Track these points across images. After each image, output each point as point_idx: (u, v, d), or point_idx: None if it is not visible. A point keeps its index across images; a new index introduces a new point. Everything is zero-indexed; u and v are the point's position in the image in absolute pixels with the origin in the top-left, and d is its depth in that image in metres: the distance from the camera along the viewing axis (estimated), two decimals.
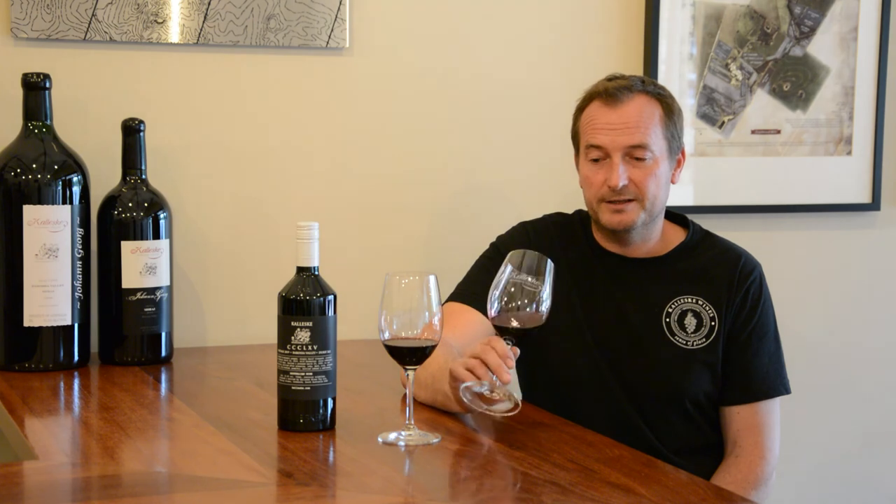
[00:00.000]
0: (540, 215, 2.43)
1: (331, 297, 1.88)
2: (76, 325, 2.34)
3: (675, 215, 2.38)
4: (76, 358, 2.35)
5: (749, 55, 2.98)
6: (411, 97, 2.76)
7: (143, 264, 2.37)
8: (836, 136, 3.07)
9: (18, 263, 2.29)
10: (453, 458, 1.82)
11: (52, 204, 2.30)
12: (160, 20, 2.54)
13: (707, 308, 2.27)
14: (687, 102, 2.93)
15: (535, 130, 2.85)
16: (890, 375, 3.22)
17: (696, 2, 2.93)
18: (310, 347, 1.85)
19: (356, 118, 2.72)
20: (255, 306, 2.64)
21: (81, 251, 2.34)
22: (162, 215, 2.40)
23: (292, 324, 1.86)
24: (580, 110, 2.29)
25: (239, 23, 2.58)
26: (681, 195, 2.94)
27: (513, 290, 1.93)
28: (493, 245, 2.38)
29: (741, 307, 2.27)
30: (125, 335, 2.38)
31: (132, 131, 2.40)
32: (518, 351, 1.93)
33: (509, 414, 1.93)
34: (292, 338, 1.86)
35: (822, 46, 3.03)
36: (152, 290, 2.38)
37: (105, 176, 2.44)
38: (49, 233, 2.29)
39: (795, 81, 3.02)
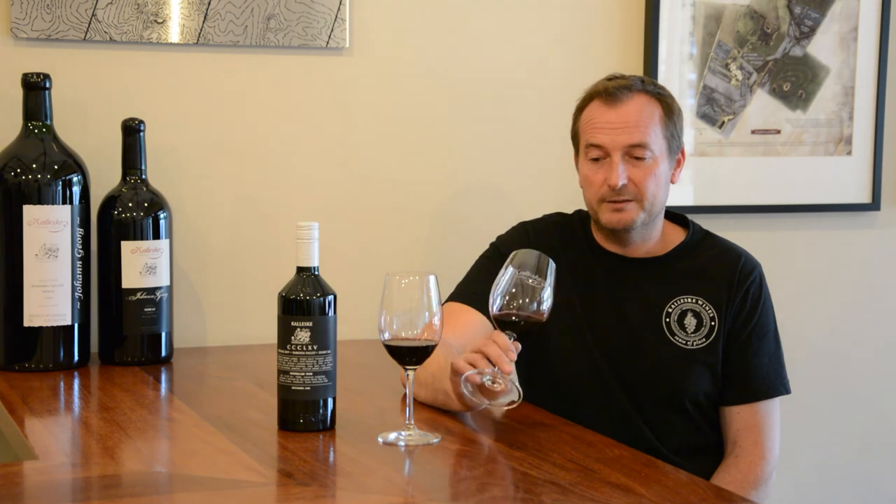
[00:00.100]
0: (540, 215, 2.43)
1: (331, 297, 1.88)
2: (76, 325, 2.34)
3: (675, 215, 2.38)
4: (76, 358, 2.35)
5: (749, 55, 2.98)
6: (411, 97, 2.76)
7: (143, 264, 2.37)
8: (836, 136, 3.07)
9: (18, 263, 2.29)
10: (453, 458, 1.82)
11: (52, 204, 2.30)
12: (160, 20, 2.54)
13: (707, 308, 2.27)
14: (687, 102, 2.93)
15: (535, 130, 2.85)
16: (890, 375, 3.22)
17: (696, 2, 2.93)
18: (310, 347, 1.85)
19: (356, 118, 2.72)
20: (255, 306, 2.64)
21: (81, 251, 2.34)
22: (162, 215, 2.40)
23: (292, 324, 1.86)
24: (580, 110, 2.29)
25: (239, 23, 2.58)
26: (681, 195, 2.95)
27: (515, 288, 1.94)
28: (492, 245, 2.38)
29: (741, 307, 2.27)
30: (125, 335, 2.38)
31: (132, 131, 2.40)
32: (519, 346, 1.93)
33: (510, 407, 1.94)
34: (292, 338, 1.86)
35: (822, 46, 3.03)
36: (152, 290, 2.38)
37: (105, 176, 2.44)
38: (49, 233, 2.29)
39: (795, 81, 3.02)
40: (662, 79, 2.88)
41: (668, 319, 2.27)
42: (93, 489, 1.65)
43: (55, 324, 2.31)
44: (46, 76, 2.34)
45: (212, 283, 2.64)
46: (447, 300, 2.28)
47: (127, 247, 2.36)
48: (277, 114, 2.66)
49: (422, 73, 2.76)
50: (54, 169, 2.31)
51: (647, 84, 2.26)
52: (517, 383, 1.91)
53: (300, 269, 1.88)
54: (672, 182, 2.29)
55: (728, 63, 2.97)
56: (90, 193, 2.37)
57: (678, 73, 2.94)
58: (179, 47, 2.57)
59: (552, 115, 2.75)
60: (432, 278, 1.86)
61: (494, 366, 1.89)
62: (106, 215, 2.39)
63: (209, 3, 2.56)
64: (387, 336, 1.86)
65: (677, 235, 2.34)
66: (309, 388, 1.86)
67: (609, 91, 2.23)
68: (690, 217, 2.38)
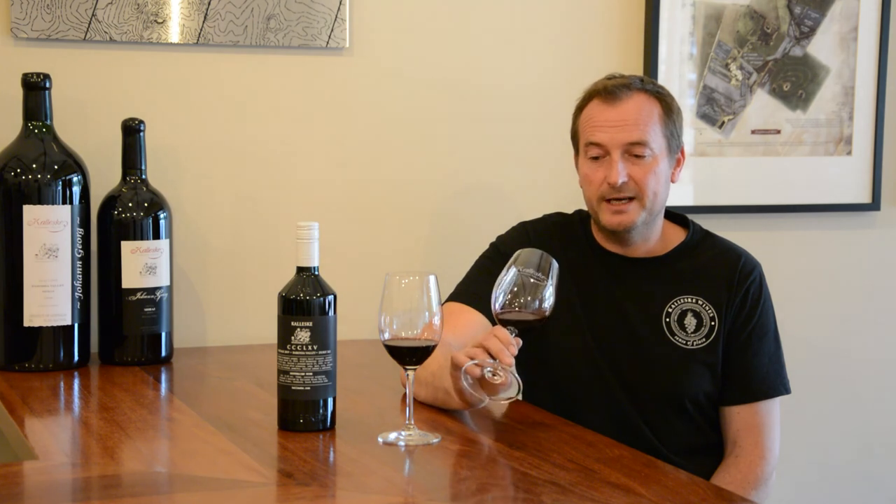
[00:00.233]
0: (540, 215, 2.43)
1: (331, 297, 1.88)
2: (76, 325, 2.34)
3: (676, 215, 2.38)
4: (76, 358, 2.35)
5: (749, 55, 2.98)
6: (411, 97, 2.76)
7: (143, 264, 2.37)
8: (836, 136, 3.07)
9: (18, 263, 2.29)
10: (453, 458, 1.82)
11: (52, 204, 2.30)
12: (160, 20, 2.54)
13: (707, 308, 2.27)
14: (687, 102, 2.93)
15: (535, 130, 2.85)
16: (890, 375, 3.22)
17: (696, 2, 2.93)
18: (310, 347, 1.85)
19: (356, 118, 2.72)
20: (255, 306, 2.64)
21: (81, 251, 2.34)
22: (162, 215, 2.40)
23: (292, 324, 1.86)
24: (579, 109, 2.29)
25: (239, 23, 2.58)
26: (681, 195, 2.95)
27: (517, 287, 1.94)
28: (492, 245, 2.38)
29: (741, 307, 2.27)
30: (125, 335, 2.38)
31: (132, 131, 2.40)
32: (520, 341, 1.93)
33: (511, 400, 1.94)
34: (292, 338, 1.86)
35: (822, 46, 3.03)
36: (152, 290, 2.38)
37: (105, 176, 2.44)
38: (49, 233, 2.29)
39: (795, 81, 3.02)
40: (662, 79, 2.88)
41: (668, 319, 2.27)
42: (93, 489, 1.65)
43: (55, 324, 2.31)
44: (46, 76, 2.34)
45: (212, 283, 2.64)
46: (447, 300, 2.28)
47: (127, 247, 2.36)
48: (277, 114, 2.66)
49: (422, 73, 2.76)
50: (54, 169, 2.31)
51: (647, 83, 2.26)
52: (517, 376, 1.90)
53: (300, 269, 1.88)
54: (672, 181, 2.29)
55: (728, 63, 2.97)
56: (90, 193, 2.37)
57: (678, 73, 2.94)
58: (179, 47, 2.57)
59: (552, 114, 2.75)
60: (432, 278, 1.86)
61: (495, 359, 1.89)
62: (106, 215, 2.39)
63: (209, 3, 2.56)
64: (387, 336, 1.85)
65: (677, 235, 2.34)
66: (309, 388, 1.86)
67: (608, 90, 2.23)
68: (690, 217, 2.38)
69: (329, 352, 1.87)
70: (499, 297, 1.94)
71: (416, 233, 2.78)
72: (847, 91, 3.06)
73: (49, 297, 2.30)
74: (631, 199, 2.22)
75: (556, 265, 1.97)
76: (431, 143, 2.78)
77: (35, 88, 2.33)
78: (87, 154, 2.41)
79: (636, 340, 2.26)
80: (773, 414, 2.29)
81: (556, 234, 2.35)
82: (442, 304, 1.90)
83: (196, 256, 2.62)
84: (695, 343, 2.26)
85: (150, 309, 2.38)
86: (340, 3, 2.65)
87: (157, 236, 2.39)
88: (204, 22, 2.56)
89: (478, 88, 2.81)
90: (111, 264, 2.37)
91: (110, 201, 2.39)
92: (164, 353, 2.41)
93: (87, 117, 2.51)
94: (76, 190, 2.33)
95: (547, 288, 1.95)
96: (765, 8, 2.98)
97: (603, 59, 2.87)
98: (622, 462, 1.80)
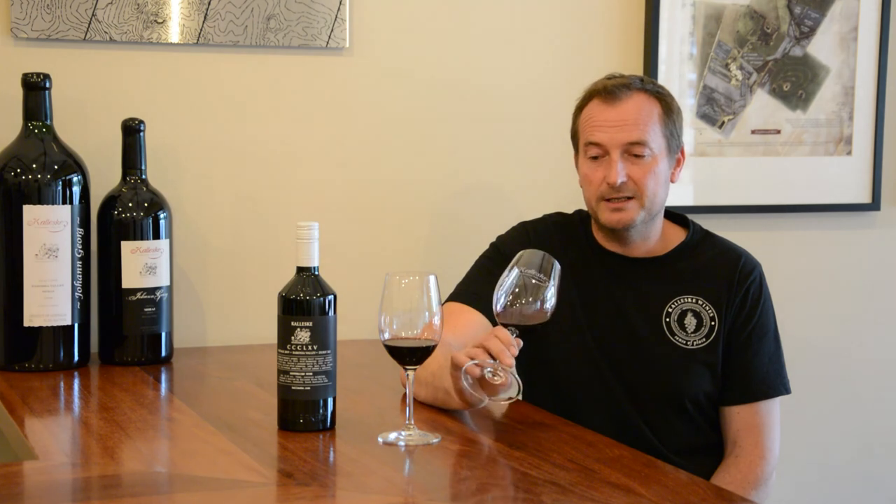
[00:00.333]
0: (540, 215, 2.43)
1: (331, 297, 1.88)
2: (76, 325, 2.34)
3: (676, 215, 2.38)
4: (76, 358, 2.35)
5: (749, 55, 2.98)
6: (411, 97, 2.76)
7: (143, 264, 2.37)
8: (836, 136, 3.07)
9: (18, 263, 2.29)
10: (453, 458, 1.82)
11: (52, 204, 2.30)
12: (160, 20, 2.54)
13: (707, 308, 2.27)
14: (687, 102, 2.93)
15: (535, 130, 2.85)
16: (890, 375, 3.22)
17: (696, 2, 2.93)
18: (310, 347, 1.85)
19: (356, 118, 2.72)
20: (255, 306, 2.64)
21: (81, 251, 2.34)
22: (162, 215, 2.40)
23: (292, 324, 1.86)
24: (579, 109, 2.29)
25: (239, 23, 2.58)
26: (681, 195, 2.95)
27: (519, 288, 1.94)
28: (492, 245, 2.38)
29: (741, 307, 2.27)
30: (125, 335, 2.38)
31: (132, 131, 2.40)
32: (521, 342, 1.93)
33: (511, 401, 1.94)
34: (292, 338, 1.86)
35: (822, 46, 3.03)
36: (152, 290, 2.38)
37: (105, 176, 2.44)
38: (49, 233, 2.29)
39: (795, 81, 3.02)
40: (662, 79, 2.88)
41: (668, 319, 2.27)
42: (93, 489, 1.65)
43: (55, 324, 2.31)
44: (46, 76, 2.34)
45: (212, 283, 2.64)
46: (447, 300, 2.28)
47: (127, 247, 2.36)
48: (277, 114, 2.66)
49: (422, 73, 2.76)
50: (54, 169, 2.31)
51: (647, 83, 2.26)
52: (517, 376, 1.90)
53: (300, 269, 1.88)
54: (672, 181, 2.29)
55: (728, 63, 2.97)
56: (90, 193, 2.37)
57: (678, 73, 2.94)
58: (179, 47, 2.57)
59: (552, 114, 2.75)
60: (432, 278, 1.86)
61: (495, 359, 1.89)
62: (106, 215, 2.39)
63: (209, 3, 2.56)
64: (387, 336, 1.85)
65: (677, 235, 2.34)
66: (309, 388, 1.86)
67: (608, 89, 2.23)
68: (690, 217, 2.38)
69: (329, 352, 1.87)
70: (500, 299, 1.94)
71: (416, 233, 2.78)
72: (847, 91, 3.06)
73: (49, 297, 2.30)
74: (630, 198, 2.22)
75: (558, 266, 1.97)
76: (431, 143, 2.78)
77: (35, 88, 2.33)
78: (87, 154, 2.41)
79: (636, 340, 2.26)
80: (773, 414, 2.29)
81: (556, 234, 2.35)
82: (442, 304, 1.90)
83: (196, 256, 2.62)
84: (695, 343, 2.26)
85: (150, 309, 2.38)
86: (340, 3, 2.65)
87: (157, 236, 2.39)
88: (204, 22, 2.56)
89: (478, 88, 2.81)
90: (111, 264, 2.37)
91: (110, 201, 2.39)
92: (164, 353, 2.41)
93: (87, 117, 2.51)
94: (76, 190, 2.33)
95: (549, 289, 1.95)
96: (765, 8, 2.98)
97: (603, 59, 2.87)
98: (622, 462, 1.80)
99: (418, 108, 2.76)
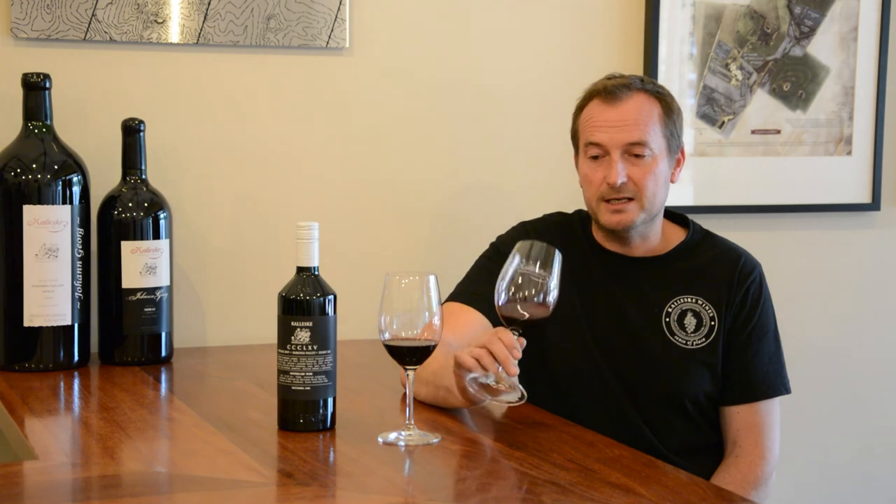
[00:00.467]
0: (540, 215, 2.43)
1: (331, 297, 1.88)
2: (76, 325, 2.34)
3: (676, 215, 2.38)
4: (76, 358, 2.35)
5: (749, 55, 2.98)
6: (411, 97, 2.76)
7: (143, 264, 2.37)
8: (836, 136, 3.07)
9: (18, 263, 2.29)
10: (453, 458, 1.82)
11: (52, 204, 2.30)
12: (160, 20, 2.54)
13: (707, 308, 2.27)
14: (687, 102, 2.93)
15: (535, 130, 2.85)
16: (890, 375, 3.22)
17: (696, 2, 2.93)
18: (310, 347, 1.85)
19: (356, 118, 2.72)
20: (255, 306, 2.64)
21: (81, 251, 2.34)
22: (162, 215, 2.40)
23: (292, 324, 1.86)
24: (579, 109, 2.29)
25: (239, 23, 2.58)
26: (681, 195, 2.94)
27: (520, 280, 1.93)
28: (492, 245, 2.38)
29: (741, 307, 2.27)
30: (125, 335, 2.38)
31: (132, 131, 2.40)
32: (524, 341, 1.93)
33: (515, 404, 1.94)
34: (292, 338, 1.86)
35: (822, 46, 3.03)
36: (152, 290, 2.38)
37: (105, 176, 2.44)
38: (49, 233, 2.29)
39: (795, 81, 3.02)
40: (662, 79, 2.88)
41: (667, 319, 2.27)
42: (93, 489, 1.65)
43: (55, 324, 2.31)
44: (46, 76, 2.34)
45: (212, 283, 2.64)
46: (447, 300, 2.28)
47: (127, 247, 2.36)
48: (277, 114, 2.66)
49: (422, 74, 2.76)
50: (54, 169, 2.31)
51: (647, 83, 2.26)
52: (521, 387, 1.91)
53: (300, 269, 1.88)
54: (672, 181, 2.29)
55: (728, 63, 2.97)
56: (90, 193, 2.37)
57: (678, 73, 2.94)
58: (179, 47, 2.57)
59: (552, 114, 2.75)
60: (432, 278, 1.86)
61: (500, 366, 1.89)
62: (106, 215, 2.39)
63: (209, 3, 2.56)
64: (387, 336, 1.85)
65: (677, 235, 2.34)
66: (309, 388, 1.86)
67: (608, 90, 2.23)
68: (690, 217, 2.38)
69: (329, 352, 1.87)
70: (501, 293, 1.94)
71: (416, 233, 2.78)
72: (847, 91, 3.06)
73: (49, 297, 2.30)
74: (630, 199, 2.22)
75: (559, 255, 1.95)
76: (431, 143, 2.78)
77: (35, 88, 2.33)
78: (87, 154, 2.41)
79: (636, 340, 2.26)
80: (773, 414, 2.29)
81: (556, 234, 2.35)
82: (442, 304, 1.90)
83: (196, 256, 2.62)
84: (695, 343, 2.26)
85: (150, 309, 2.38)
86: (340, 3, 2.65)
87: (157, 236, 2.39)
88: (204, 22, 2.56)
89: (478, 88, 2.81)
90: (111, 264, 2.37)
91: (110, 201, 2.39)
92: (164, 353, 2.41)
93: (87, 117, 2.51)
94: (76, 190, 2.33)
95: (550, 281, 1.94)
96: (765, 8, 2.98)
97: (603, 59, 2.87)
98: (622, 462, 1.80)
99: (418, 108, 2.76)
